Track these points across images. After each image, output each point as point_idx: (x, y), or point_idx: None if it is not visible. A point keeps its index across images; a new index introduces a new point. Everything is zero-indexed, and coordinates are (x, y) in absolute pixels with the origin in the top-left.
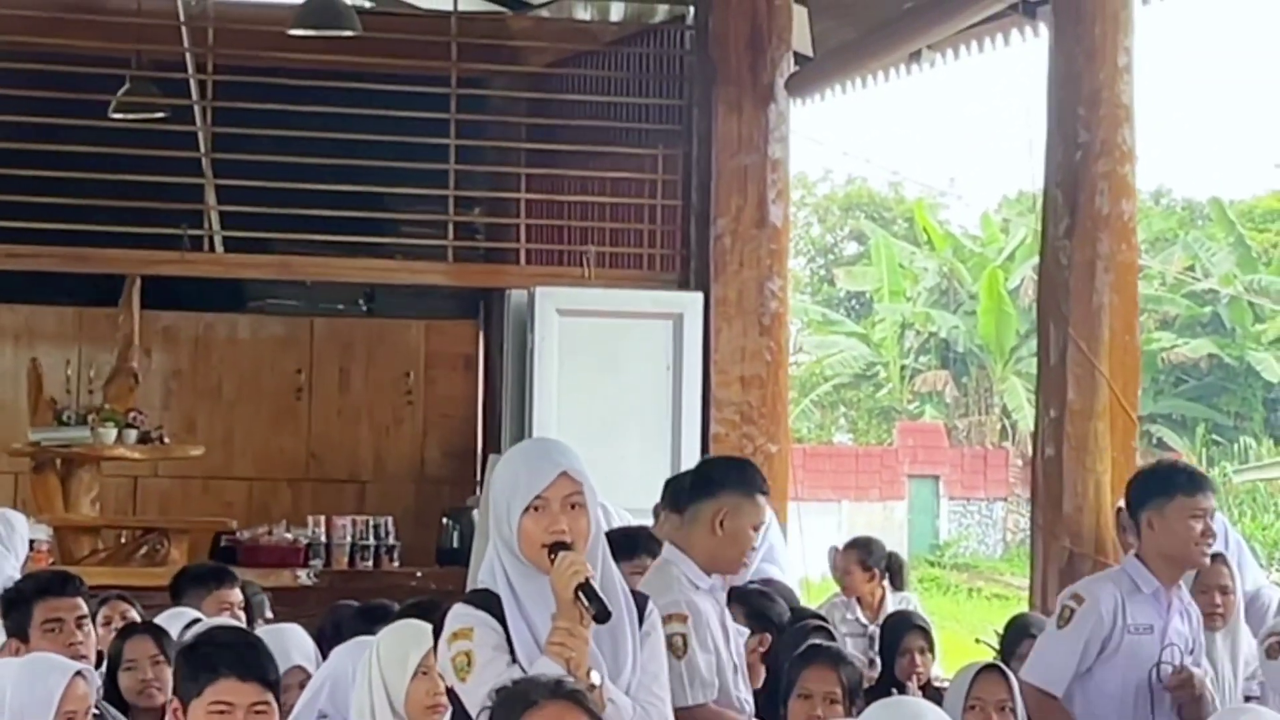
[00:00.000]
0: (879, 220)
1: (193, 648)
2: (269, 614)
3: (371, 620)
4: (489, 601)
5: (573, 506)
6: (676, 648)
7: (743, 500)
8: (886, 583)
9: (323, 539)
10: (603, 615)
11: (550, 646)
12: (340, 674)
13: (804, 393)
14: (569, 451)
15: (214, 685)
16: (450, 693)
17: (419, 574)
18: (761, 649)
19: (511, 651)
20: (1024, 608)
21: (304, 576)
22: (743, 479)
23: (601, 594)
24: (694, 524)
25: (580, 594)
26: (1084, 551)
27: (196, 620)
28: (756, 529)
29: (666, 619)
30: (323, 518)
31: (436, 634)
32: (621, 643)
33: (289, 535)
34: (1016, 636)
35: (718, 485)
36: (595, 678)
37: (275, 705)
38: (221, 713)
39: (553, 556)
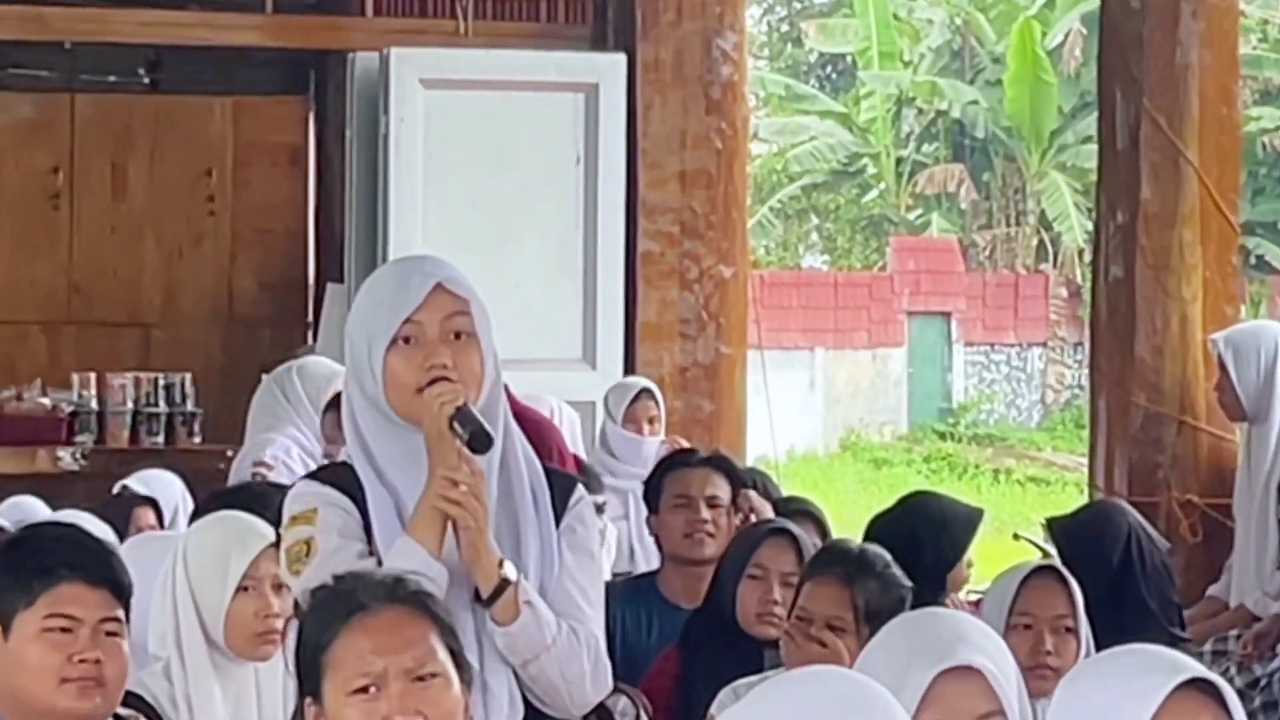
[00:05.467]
0: None
1: (13, 544)
2: None
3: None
4: (342, 475)
5: (457, 336)
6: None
7: None
8: None
9: (93, 405)
10: (480, 440)
11: (429, 503)
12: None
13: (761, 198)
14: (445, 263)
15: (52, 592)
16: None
17: (230, 453)
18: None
19: (370, 539)
20: (1072, 495)
21: (67, 458)
22: None
23: (481, 419)
24: None
25: (455, 424)
26: (1165, 411)
27: None
28: None
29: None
30: (92, 376)
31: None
32: (526, 534)
33: (45, 401)
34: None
35: None
36: (510, 570)
37: (127, 626)
38: (63, 630)
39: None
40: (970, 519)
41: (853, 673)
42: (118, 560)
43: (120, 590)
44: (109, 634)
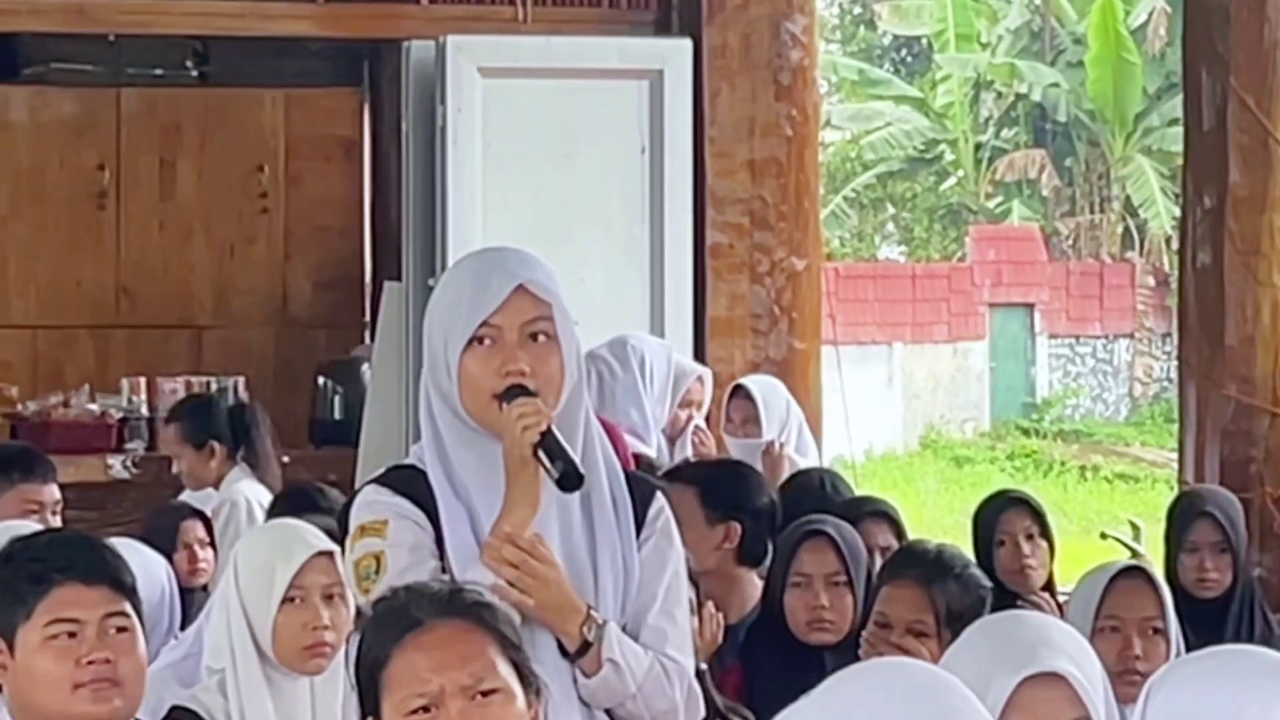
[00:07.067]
0: None
1: (6, 559)
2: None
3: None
4: (414, 482)
5: (535, 337)
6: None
7: None
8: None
9: (143, 411)
10: (570, 479)
11: (485, 553)
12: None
13: (834, 187)
14: (532, 261)
15: (49, 598)
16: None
17: (285, 459)
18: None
19: (442, 555)
20: (1162, 492)
21: (117, 466)
22: None
23: (570, 450)
24: None
25: (540, 452)
26: (1257, 403)
27: None
28: None
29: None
30: (142, 380)
31: (341, 537)
32: (602, 550)
33: (93, 407)
34: (1184, 520)
35: None
36: (591, 629)
37: (137, 620)
38: (68, 635)
39: (504, 407)
40: None
41: (933, 665)
42: (113, 554)
43: (120, 585)
44: (118, 630)
